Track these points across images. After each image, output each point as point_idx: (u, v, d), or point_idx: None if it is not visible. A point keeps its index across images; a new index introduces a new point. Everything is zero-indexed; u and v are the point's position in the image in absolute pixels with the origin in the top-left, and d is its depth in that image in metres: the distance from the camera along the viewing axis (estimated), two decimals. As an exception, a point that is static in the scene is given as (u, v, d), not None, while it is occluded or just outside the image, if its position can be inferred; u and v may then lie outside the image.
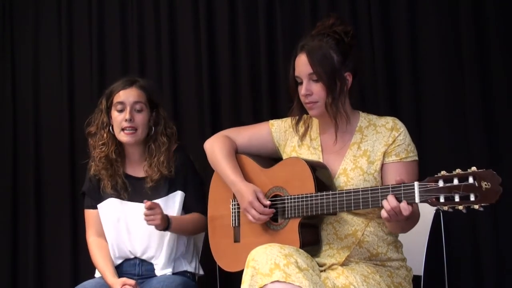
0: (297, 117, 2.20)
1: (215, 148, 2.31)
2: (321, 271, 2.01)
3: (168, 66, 3.21)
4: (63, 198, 3.34)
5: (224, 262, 2.30)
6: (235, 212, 2.28)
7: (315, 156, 2.15)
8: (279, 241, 1.99)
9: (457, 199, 1.68)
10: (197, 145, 3.07)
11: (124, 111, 2.47)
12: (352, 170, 2.06)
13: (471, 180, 1.66)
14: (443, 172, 1.73)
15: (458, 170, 1.70)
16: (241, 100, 3.07)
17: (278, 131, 2.28)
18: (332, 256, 2.04)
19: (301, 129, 2.21)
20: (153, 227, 2.38)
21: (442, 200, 1.71)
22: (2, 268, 3.47)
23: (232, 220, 2.28)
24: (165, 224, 2.37)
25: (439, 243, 2.41)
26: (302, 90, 2.08)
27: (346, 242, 2.04)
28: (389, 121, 2.09)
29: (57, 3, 3.48)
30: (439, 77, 2.73)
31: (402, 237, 2.15)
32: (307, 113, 2.14)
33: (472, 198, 1.65)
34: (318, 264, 2.03)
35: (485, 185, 1.64)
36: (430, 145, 2.67)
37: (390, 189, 1.82)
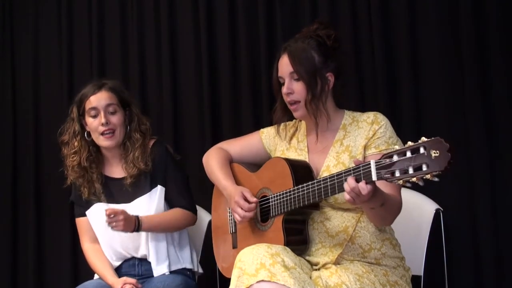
0: (277, 125, 2.26)
1: (210, 159, 2.38)
2: (315, 270, 2.01)
3: (168, 66, 3.21)
4: (63, 198, 3.32)
5: (226, 268, 2.34)
6: (231, 219, 2.32)
7: (302, 157, 2.18)
8: (266, 241, 2.02)
9: (411, 171, 1.66)
10: (197, 145, 3.10)
11: (98, 116, 2.46)
12: (334, 166, 2.07)
13: (422, 150, 1.64)
14: (396, 147, 1.73)
15: (409, 143, 1.69)
16: (241, 100, 3.07)
17: (268, 138, 2.32)
18: (325, 255, 2.04)
19: (288, 133, 2.26)
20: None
21: (397, 174, 1.69)
22: (2, 268, 3.47)
23: (230, 227, 2.33)
24: (133, 226, 2.38)
25: (439, 243, 2.41)
26: (283, 89, 2.12)
27: (338, 240, 2.04)
28: (370, 116, 2.11)
29: (57, 3, 3.49)
30: (439, 77, 2.73)
31: (402, 237, 2.15)
32: (291, 114, 2.18)
33: (424, 168, 1.63)
34: (311, 263, 2.04)
35: (434, 153, 1.61)
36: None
37: (352, 172, 1.82)
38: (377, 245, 2.05)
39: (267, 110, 2.96)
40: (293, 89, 2.10)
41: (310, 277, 1.93)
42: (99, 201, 2.52)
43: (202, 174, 2.72)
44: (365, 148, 2.06)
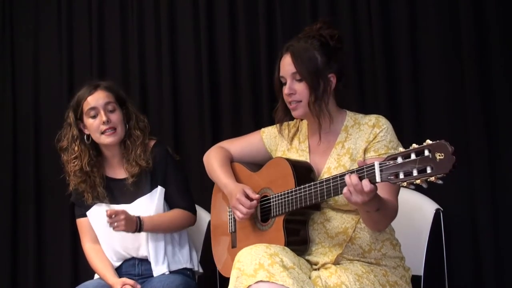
0: (279, 124, 2.25)
1: (211, 158, 2.38)
2: (314, 269, 2.01)
3: (168, 66, 3.21)
4: (63, 198, 3.31)
5: (224, 268, 2.34)
6: (231, 218, 2.32)
7: (303, 157, 2.17)
8: (267, 241, 2.01)
9: (415, 173, 1.66)
10: (197, 145, 3.10)
11: (98, 115, 2.46)
12: (335, 169, 2.07)
13: (426, 153, 1.65)
14: (400, 149, 1.73)
15: (414, 145, 1.69)
16: (241, 100, 3.07)
17: (269, 137, 2.32)
18: (325, 255, 2.04)
19: (289, 133, 2.25)
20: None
21: (401, 176, 1.69)
22: (2, 268, 3.46)
23: (229, 227, 2.32)
24: (135, 226, 2.38)
25: (439, 243, 2.41)
26: (285, 90, 2.11)
27: (337, 240, 2.04)
28: (372, 119, 2.10)
29: (57, 3, 3.48)
30: (439, 77, 2.73)
31: (402, 237, 2.15)
32: (291, 115, 2.16)
33: (428, 170, 1.64)
34: (311, 262, 2.04)
35: (439, 156, 1.62)
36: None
37: (355, 172, 1.82)
38: (377, 246, 2.05)
39: (267, 110, 2.96)
40: (295, 89, 2.08)
41: (310, 277, 1.93)
42: (102, 202, 2.52)
43: (202, 174, 2.72)
44: (365, 151, 2.06)
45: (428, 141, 1.66)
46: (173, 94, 3.20)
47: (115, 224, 2.33)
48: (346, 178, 1.81)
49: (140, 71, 3.27)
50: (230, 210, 2.32)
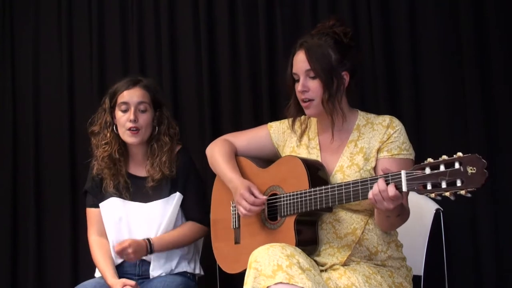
0: (292, 118, 2.22)
1: (215, 151, 2.34)
2: (322, 271, 2.00)
3: (168, 66, 3.21)
4: (63, 198, 3.34)
5: (226, 264, 2.31)
6: (235, 213, 2.29)
7: (313, 155, 2.16)
8: (276, 240, 2.00)
9: (444, 185, 1.67)
10: (197, 145, 3.09)
11: (128, 111, 2.46)
12: (348, 167, 2.07)
13: (457, 165, 1.65)
14: (429, 160, 1.72)
15: (444, 157, 1.69)
16: (241, 100, 3.07)
17: (277, 133, 2.29)
18: (333, 255, 2.04)
19: (299, 130, 2.23)
20: (151, 227, 2.45)
21: (429, 187, 1.69)
22: (2, 268, 3.46)
23: (233, 222, 2.29)
24: (145, 251, 2.42)
25: (439, 243, 2.41)
26: (298, 87, 2.09)
27: (346, 241, 2.04)
28: (386, 119, 2.10)
29: (57, 3, 3.48)
30: (439, 77, 2.73)
31: (402, 237, 2.14)
32: (303, 111, 2.15)
33: (458, 183, 1.64)
34: (318, 263, 2.03)
35: (471, 169, 1.63)
36: (430, 145, 2.67)
37: (379, 178, 1.82)
38: (383, 248, 2.05)
39: (267, 110, 2.97)
40: (309, 87, 2.07)
41: None
42: (119, 196, 2.51)
43: (202, 174, 2.73)
44: (378, 151, 2.06)
45: (459, 154, 1.66)
46: (173, 94, 3.20)
47: (124, 257, 2.37)
48: (374, 186, 1.80)
49: (140, 71, 3.27)
50: (234, 205, 2.28)
